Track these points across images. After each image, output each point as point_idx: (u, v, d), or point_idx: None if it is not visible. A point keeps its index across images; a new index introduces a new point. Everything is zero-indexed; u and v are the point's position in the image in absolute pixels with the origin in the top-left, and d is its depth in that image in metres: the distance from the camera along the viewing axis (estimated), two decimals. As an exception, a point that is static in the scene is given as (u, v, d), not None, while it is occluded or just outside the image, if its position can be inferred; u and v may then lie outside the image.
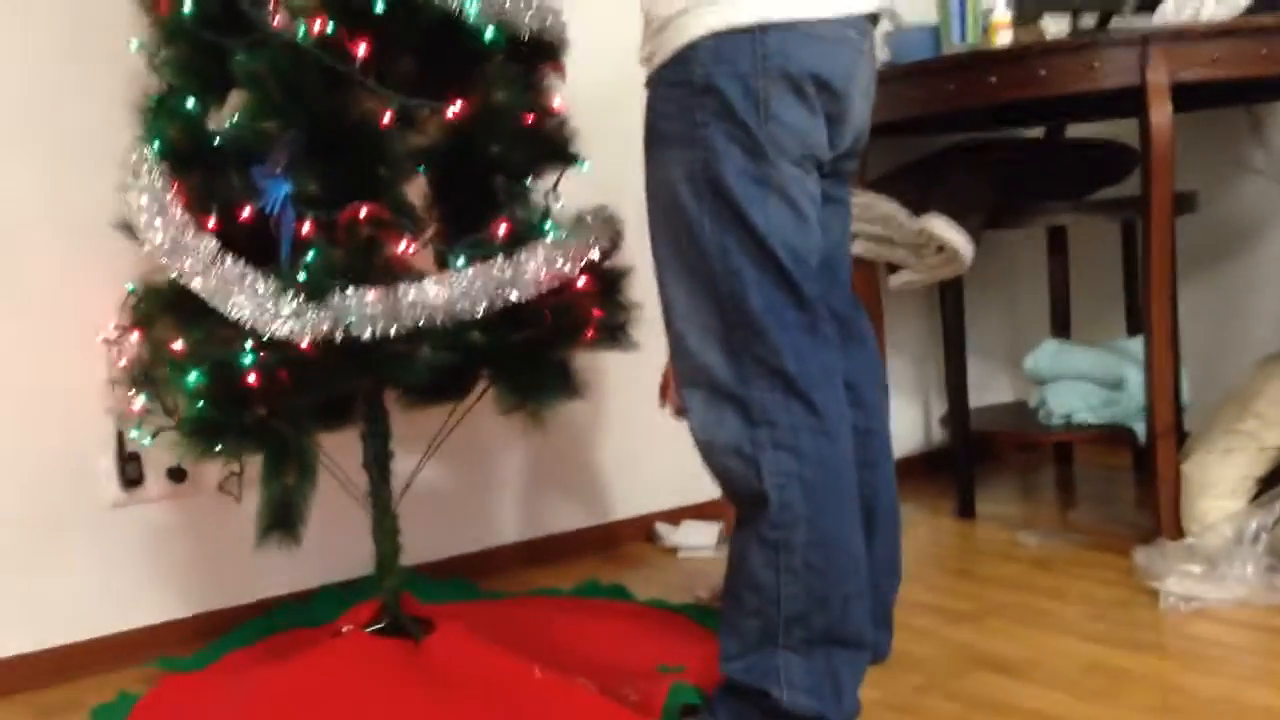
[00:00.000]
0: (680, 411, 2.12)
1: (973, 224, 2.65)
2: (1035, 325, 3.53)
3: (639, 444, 2.93)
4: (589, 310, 2.01)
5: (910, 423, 3.42)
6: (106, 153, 2.18)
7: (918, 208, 2.68)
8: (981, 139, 3.03)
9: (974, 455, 3.01)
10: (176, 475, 2.33)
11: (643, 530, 2.97)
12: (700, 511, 2.94)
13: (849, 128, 1.75)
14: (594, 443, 2.90)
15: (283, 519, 1.89)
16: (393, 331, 1.71)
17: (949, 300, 2.97)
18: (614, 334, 2.09)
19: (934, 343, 3.39)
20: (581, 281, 1.97)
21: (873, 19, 1.78)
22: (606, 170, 2.22)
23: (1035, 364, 2.98)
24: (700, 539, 2.85)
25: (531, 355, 1.93)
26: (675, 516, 2.96)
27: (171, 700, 2.08)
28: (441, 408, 2.16)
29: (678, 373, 1.75)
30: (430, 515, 2.60)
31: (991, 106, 2.65)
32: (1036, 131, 3.33)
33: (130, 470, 2.29)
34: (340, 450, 2.16)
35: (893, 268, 2.83)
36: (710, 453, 1.72)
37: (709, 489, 2.55)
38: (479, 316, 1.79)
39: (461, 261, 1.80)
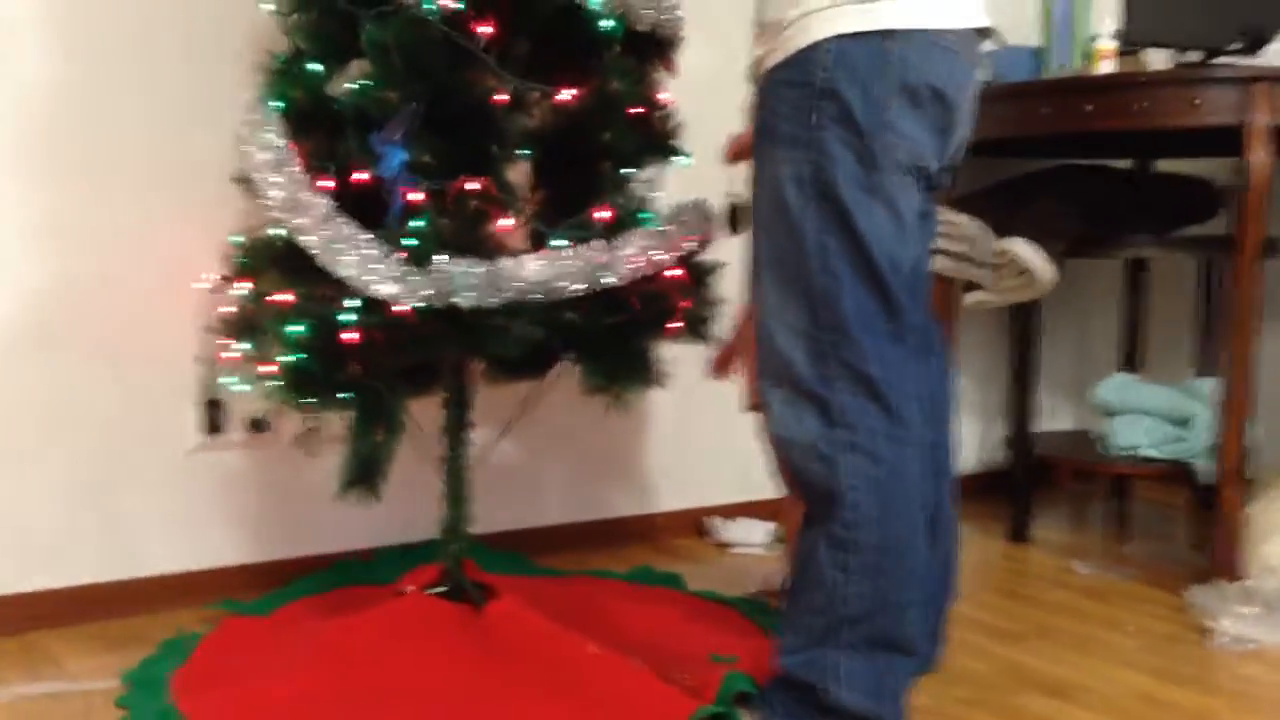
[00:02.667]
0: (756, 405, 2.15)
1: (1055, 250, 2.66)
2: (1104, 356, 3.53)
3: (695, 437, 2.96)
4: (677, 301, 2.04)
5: (970, 441, 3.43)
6: (215, 107, 2.26)
7: (1002, 229, 2.69)
8: (1071, 166, 3.03)
9: (1032, 480, 3.02)
10: (259, 426, 2.39)
11: (691, 524, 3.00)
12: (753, 509, 2.97)
13: (955, 141, 1.77)
14: (651, 432, 2.94)
15: (366, 475, 1.95)
16: (491, 303, 1.76)
17: (1021, 323, 2.98)
18: (698, 327, 2.13)
19: (1002, 364, 3.39)
20: (673, 272, 2.00)
21: (983, 33, 1.80)
22: (703, 164, 2.25)
23: (1103, 394, 2.98)
24: (754, 536, 2.88)
25: (620, 340, 1.96)
26: (726, 512, 2.99)
27: (233, 642, 2.14)
28: (524, 383, 2.21)
29: (761, 367, 1.78)
30: (492, 487, 2.64)
31: (1086, 134, 2.66)
32: (1125, 163, 3.32)
33: (213, 416, 2.35)
34: (422, 414, 2.22)
35: (969, 286, 2.84)
36: (787, 449, 1.74)
37: (762, 487, 2.60)
38: (574, 297, 1.83)
39: (562, 242, 1.84)
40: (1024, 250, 2.62)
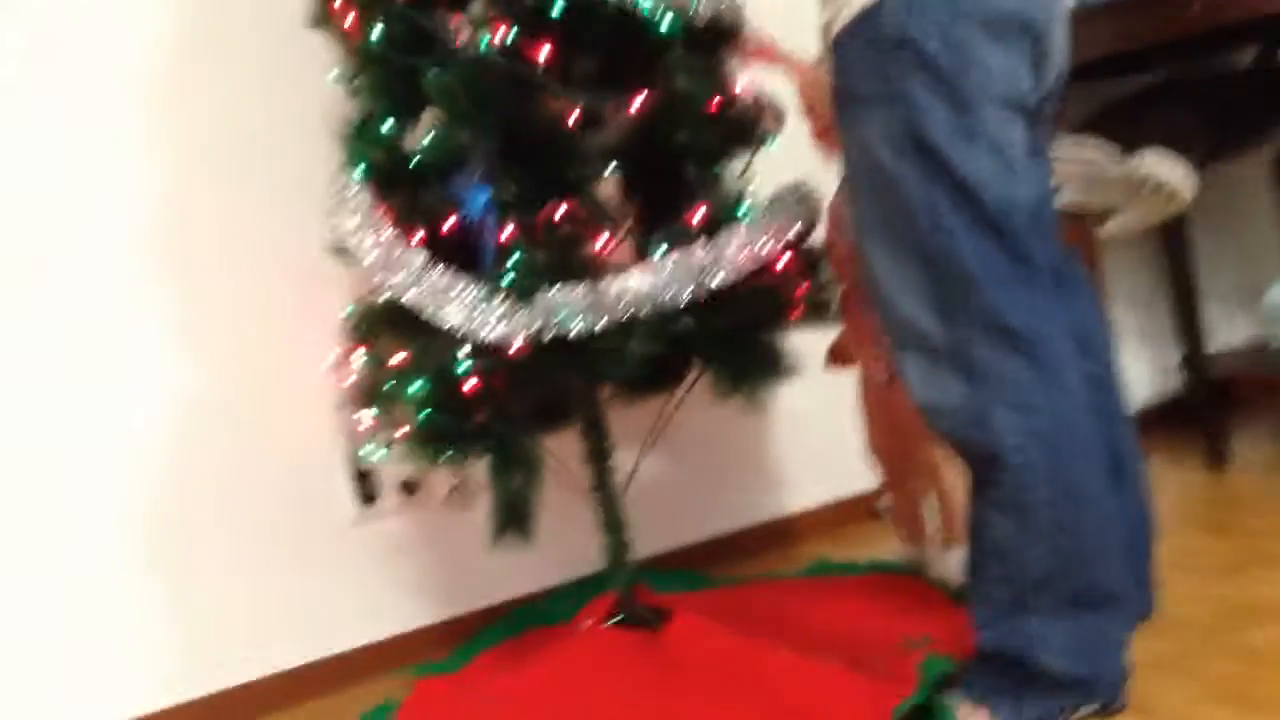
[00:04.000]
0: (891, 378, 2.07)
1: (1190, 159, 2.49)
2: (1268, 260, 3.28)
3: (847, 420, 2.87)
4: (793, 289, 1.98)
5: (1143, 374, 3.23)
6: (317, 182, 2.30)
7: (1128, 147, 2.53)
8: (1185, 74, 2.84)
9: (1218, 401, 2.82)
10: (409, 488, 2.42)
11: (865, 509, 2.91)
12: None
13: (1051, 66, 1.66)
14: (809, 423, 2.86)
15: (514, 518, 1.94)
16: (600, 326, 1.73)
17: (1174, 243, 2.79)
18: (819, 310, 2.06)
19: (1160, 288, 3.19)
20: (783, 261, 1.94)
21: None
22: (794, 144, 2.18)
23: (1277, 299, 2.77)
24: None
25: (740, 339, 1.91)
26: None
27: (429, 704, 2.16)
28: (656, 399, 2.17)
29: (889, 338, 1.70)
30: (654, 507, 2.61)
31: (1195, 35, 2.48)
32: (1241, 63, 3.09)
33: (365, 487, 2.39)
34: (563, 449, 2.20)
35: (1103, 219, 2.68)
36: (933, 417, 1.65)
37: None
38: (683, 303, 1.79)
39: (662, 250, 1.80)
40: (1157, 164, 2.45)
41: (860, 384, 2.32)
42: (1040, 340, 1.58)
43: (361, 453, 2.04)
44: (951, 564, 2.20)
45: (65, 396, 2.22)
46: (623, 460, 2.22)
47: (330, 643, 2.39)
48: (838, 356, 2.31)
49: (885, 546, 2.56)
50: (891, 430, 2.28)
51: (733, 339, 1.89)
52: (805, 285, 1.99)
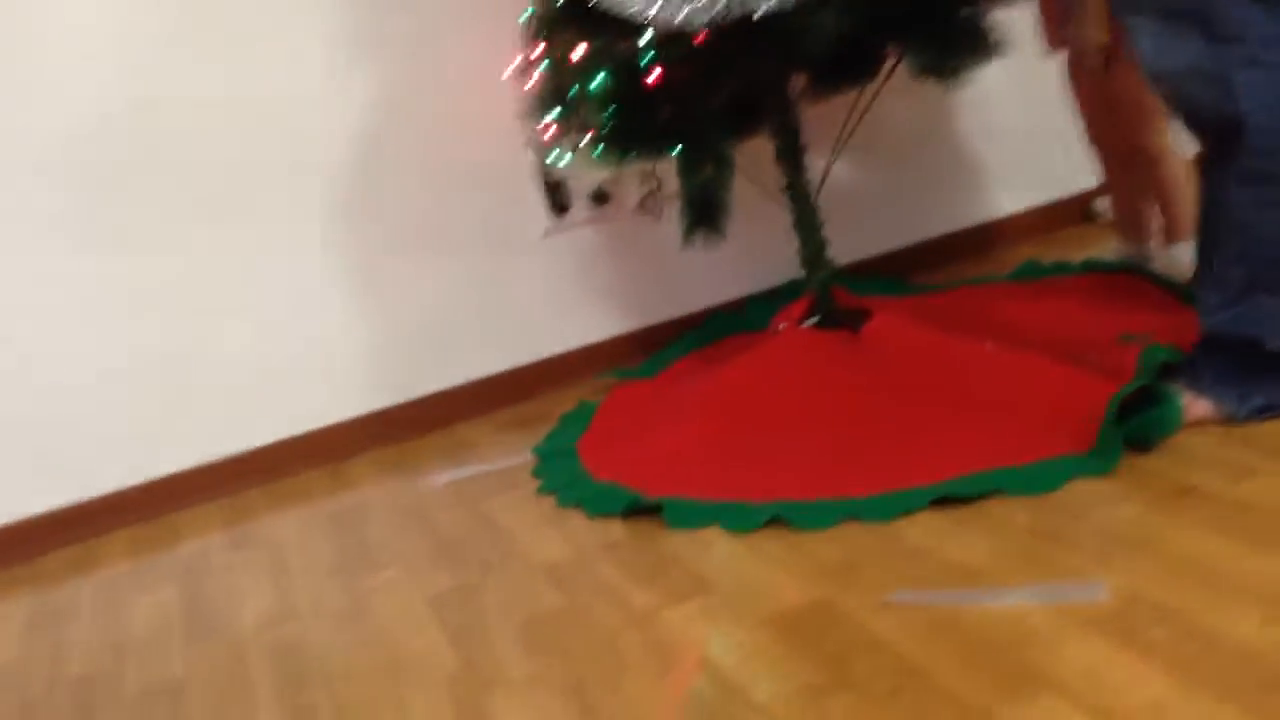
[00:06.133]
0: (1108, 61, 1.89)
1: None
2: None
3: (1052, 119, 2.66)
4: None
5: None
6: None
7: None
8: None
9: None
10: (600, 198, 2.40)
11: (1078, 209, 2.74)
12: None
13: None
14: (1013, 122, 2.67)
15: (705, 215, 1.89)
16: (789, 3, 1.60)
17: None
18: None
19: None
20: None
21: None
22: None
23: None
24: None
25: (939, 12, 1.75)
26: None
27: (626, 405, 2.21)
28: (848, 96, 2.05)
29: (1120, 4, 1.52)
30: (851, 214, 2.52)
31: None
32: None
33: (557, 198, 2.38)
34: (756, 152, 2.13)
35: None
36: (1167, 83, 1.50)
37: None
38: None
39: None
40: None
41: (1072, 76, 2.12)
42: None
43: (549, 161, 2.01)
44: (1177, 258, 2.06)
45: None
46: (818, 166, 2.13)
47: (527, 351, 2.45)
48: (1053, 34, 2.12)
49: (1101, 247, 2.42)
50: (1111, 122, 2.10)
51: (929, 12, 1.73)
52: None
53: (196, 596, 1.86)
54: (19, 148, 2.14)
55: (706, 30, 1.65)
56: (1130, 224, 2.22)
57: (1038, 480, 1.51)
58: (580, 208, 2.40)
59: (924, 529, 1.48)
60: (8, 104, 2.13)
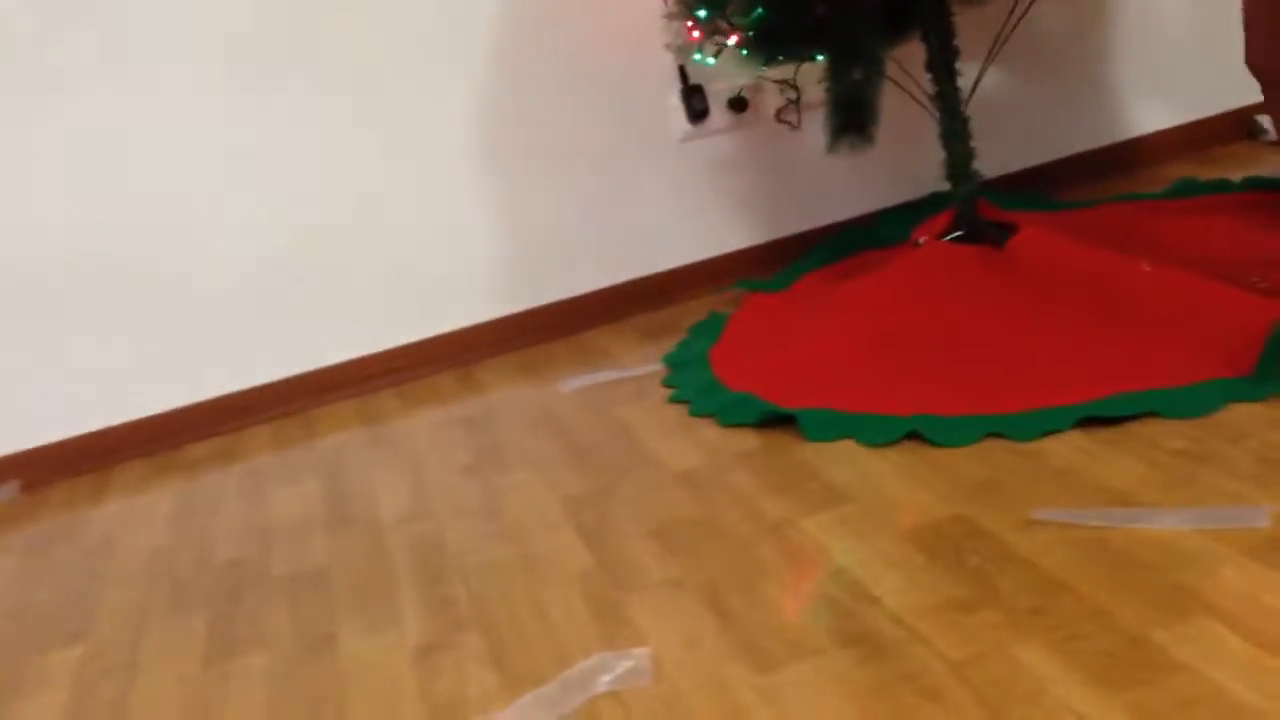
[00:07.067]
0: None
1: None
2: None
3: (1214, 28, 2.51)
4: None
5: None
6: None
7: None
8: None
9: None
10: (738, 105, 2.35)
11: (1238, 126, 2.59)
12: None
13: None
14: (1170, 32, 2.53)
15: (854, 119, 1.84)
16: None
17: None
18: None
19: None
20: None
21: None
22: None
23: None
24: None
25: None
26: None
27: (759, 316, 2.18)
28: (1003, 6, 1.96)
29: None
30: (999, 127, 2.43)
31: None
32: None
33: (696, 103, 2.34)
34: (906, 59, 2.05)
35: None
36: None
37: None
38: None
39: None
40: None
41: None
42: None
43: (694, 59, 1.97)
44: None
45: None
46: (967, 76, 2.05)
47: (658, 259, 2.44)
48: None
49: (1263, 165, 2.29)
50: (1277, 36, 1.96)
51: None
52: None
53: (336, 490, 1.92)
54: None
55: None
56: None
57: (1193, 402, 1.45)
58: (718, 114, 2.36)
59: (1071, 449, 1.43)
60: None
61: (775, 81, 2.28)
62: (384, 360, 2.36)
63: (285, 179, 2.26)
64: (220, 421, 2.31)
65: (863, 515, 1.40)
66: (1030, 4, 2.04)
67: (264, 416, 2.33)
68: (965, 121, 2.00)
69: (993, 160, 2.34)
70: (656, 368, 2.08)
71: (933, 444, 1.52)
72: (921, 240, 2.09)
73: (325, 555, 1.67)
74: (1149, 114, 2.60)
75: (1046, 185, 2.50)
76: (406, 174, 2.31)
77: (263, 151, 2.24)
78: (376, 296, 2.34)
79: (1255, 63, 2.00)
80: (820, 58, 1.83)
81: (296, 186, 2.27)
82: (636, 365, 2.13)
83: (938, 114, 2.02)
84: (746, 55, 1.79)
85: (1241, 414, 1.41)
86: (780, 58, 1.77)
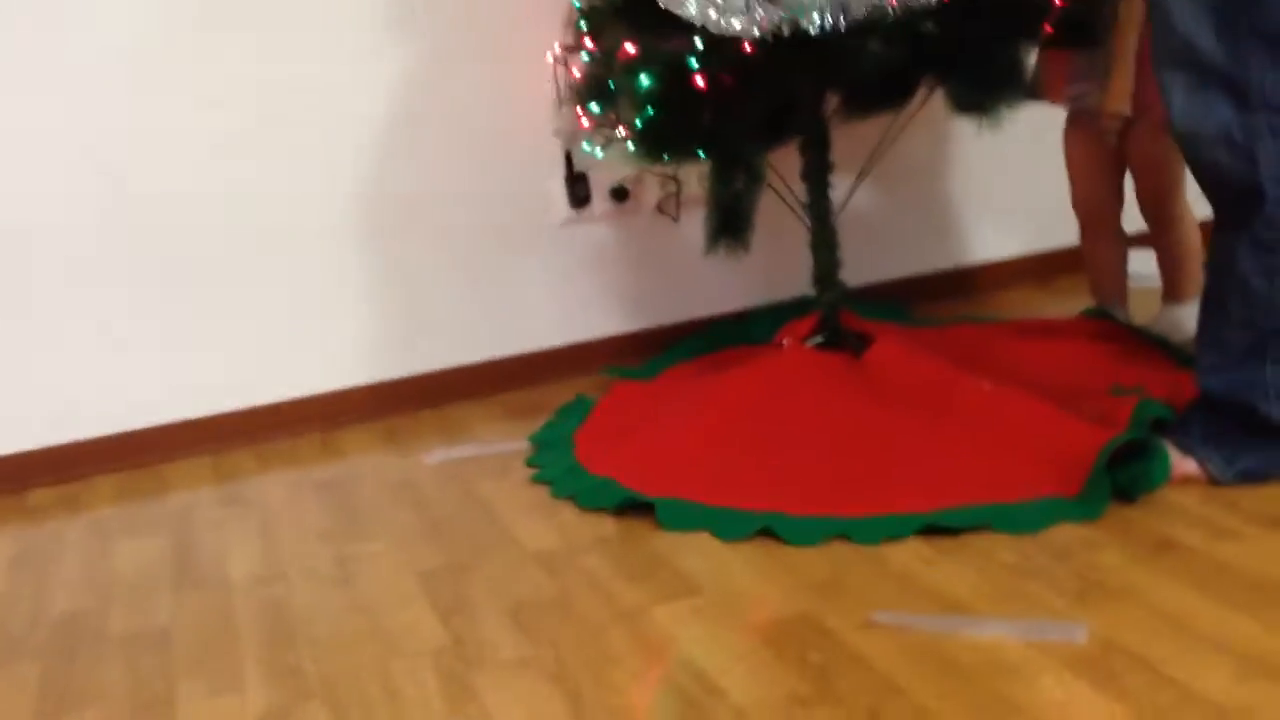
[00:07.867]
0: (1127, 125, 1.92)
1: None
2: None
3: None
4: (1048, 1, 1.82)
5: None
6: None
7: None
8: None
9: None
10: (619, 195, 2.42)
11: (1078, 261, 2.78)
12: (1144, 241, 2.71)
13: None
14: (1022, 165, 2.71)
15: (731, 225, 1.92)
16: (842, 23, 1.63)
17: None
18: (1075, 31, 1.89)
19: None
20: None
21: None
22: None
23: None
24: (1151, 267, 2.62)
25: (984, 50, 1.78)
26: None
27: (625, 403, 2.23)
28: (879, 122, 2.08)
29: (1157, 54, 1.55)
30: (864, 239, 2.56)
31: None
32: None
33: (578, 189, 2.40)
34: (781, 166, 2.15)
35: None
36: (1193, 144, 1.53)
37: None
38: (929, 7, 1.67)
39: (912, -54, 1.67)
40: None
41: (1069, 134, 2.17)
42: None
43: (584, 149, 2.03)
44: (1182, 319, 2.10)
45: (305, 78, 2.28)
46: (839, 189, 2.17)
47: (530, 339, 2.47)
48: (1054, 94, 2.15)
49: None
50: (1094, 186, 2.15)
51: (975, 50, 1.76)
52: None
53: (184, 547, 1.88)
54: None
55: (755, 42, 1.67)
56: (1103, 288, 2.27)
57: (1024, 519, 1.54)
58: (600, 201, 2.43)
59: (911, 555, 1.51)
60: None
61: (657, 174, 2.37)
62: (242, 419, 2.33)
63: (158, 237, 2.23)
64: (66, 468, 2.24)
65: (713, 606, 1.44)
66: (902, 128, 2.17)
67: (113, 467, 2.26)
68: (834, 232, 2.10)
69: (858, 270, 2.46)
70: (522, 446, 2.11)
71: (783, 541, 1.58)
72: (785, 342, 2.17)
73: (168, 614, 1.63)
74: (1000, 241, 2.77)
75: (907, 298, 2.63)
76: (280, 233, 2.30)
77: (136, 204, 2.21)
78: (239, 353, 2.31)
79: (1076, 199, 2.23)
80: (704, 156, 1.91)
81: (171, 236, 2.24)
82: (502, 442, 2.15)
83: (809, 222, 2.12)
84: (633, 150, 1.86)
85: (1067, 533, 1.51)
86: (665, 156, 1.83)
